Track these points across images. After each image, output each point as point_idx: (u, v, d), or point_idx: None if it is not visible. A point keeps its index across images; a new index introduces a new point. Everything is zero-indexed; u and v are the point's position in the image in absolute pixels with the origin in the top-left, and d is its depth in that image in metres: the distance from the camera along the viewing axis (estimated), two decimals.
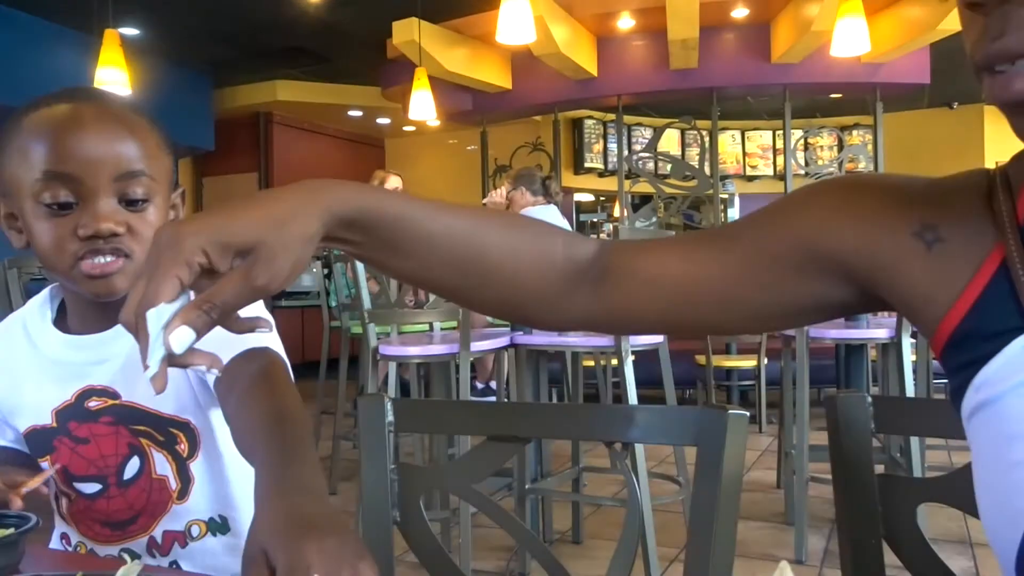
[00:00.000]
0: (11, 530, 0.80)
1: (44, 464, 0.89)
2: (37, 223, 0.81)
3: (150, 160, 0.85)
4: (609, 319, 0.69)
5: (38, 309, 0.92)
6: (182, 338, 0.50)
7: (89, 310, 0.87)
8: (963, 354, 0.54)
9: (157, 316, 0.50)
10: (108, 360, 0.86)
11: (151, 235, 0.83)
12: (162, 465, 0.88)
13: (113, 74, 4.21)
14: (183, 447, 0.88)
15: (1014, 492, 0.50)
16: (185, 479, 0.88)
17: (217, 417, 0.88)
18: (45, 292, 0.94)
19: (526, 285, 0.66)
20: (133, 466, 0.87)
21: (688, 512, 2.57)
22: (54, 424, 0.87)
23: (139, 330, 0.50)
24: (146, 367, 0.50)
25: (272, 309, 8.58)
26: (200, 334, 0.51)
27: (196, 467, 0.88)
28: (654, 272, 0.66)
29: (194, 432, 0.88)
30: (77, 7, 5.54)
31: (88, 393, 0.86)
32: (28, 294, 3.31)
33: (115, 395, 0.86)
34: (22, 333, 0.90)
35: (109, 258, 0.81)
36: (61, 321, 0.91)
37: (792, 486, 3.09)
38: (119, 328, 0.81)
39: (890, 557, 0.85)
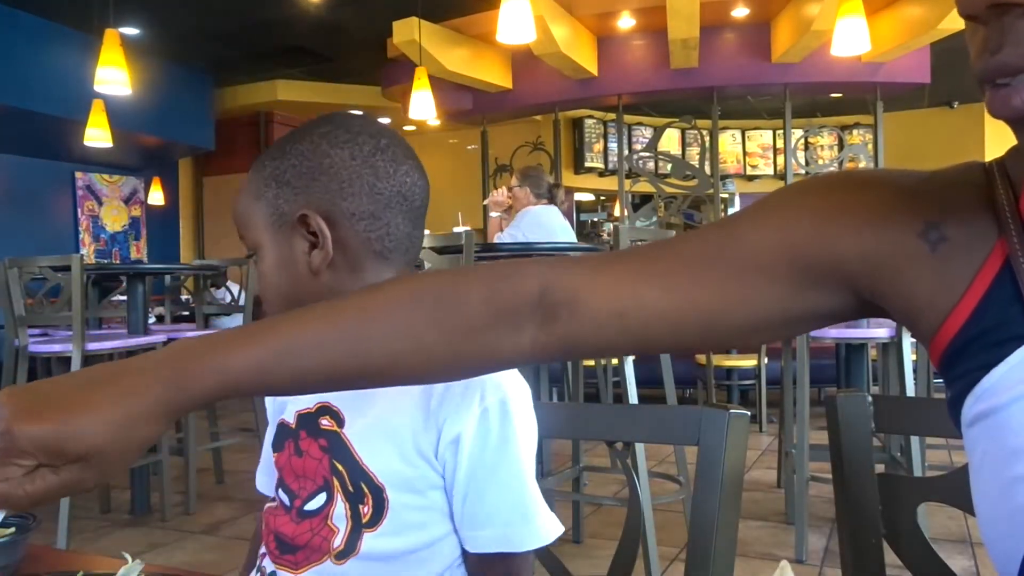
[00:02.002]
0: (12, 530, 0.80)
1: (273, 459, 0.87)
2: None
3: (247, 216, 0.84)
4: (566, 351, 0.61)
5: None
6: None
7: None
8: (964, 361, 0.52)
9: None
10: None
11: (260, 287, 0.84)
12: (340, 516, 0.80)
13: (113, 74, 4.20)
14: (367, 511, 0.79)
15: (1017, 508, 0.48)
16: (352, 544, 0.79)
17: (418, 511, 0.80)
18: None
19: (447, 359, 0.59)
20: (318, 500, 0.81)
21: (689, 511, 2.57)
22: (294, 425, 0.85)
23: None
24: None
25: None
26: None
27: (368, 539, 0.79)
28: (624, 304, 0.58)
29: (384, 502, 0.79)
30: (77, 7, 5.54)
31: (325, 410, 0.82)
32: (28, 293, 3.32)
33: (341, 422, 0.81)
34: None
35: None
36: None
37: (792, 485, 3.09)
38: None
39: (890, 556, 0.85)
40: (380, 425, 0.79)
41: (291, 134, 0.84)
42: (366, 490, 0.79)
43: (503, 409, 0.79)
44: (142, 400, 0.52)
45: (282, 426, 0.87)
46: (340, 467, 0.80)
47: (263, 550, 0.86)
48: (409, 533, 0.79)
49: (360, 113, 0.86)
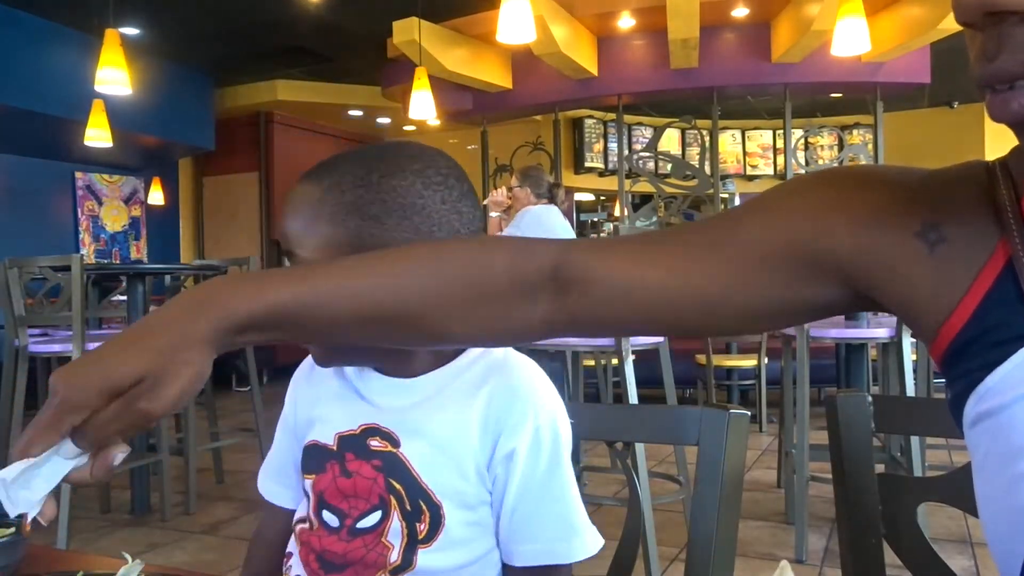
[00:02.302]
0: (12, 530, 0.80)
1: (307, 482, 0.85)
2: None
3: (301, 237, 0.80)
4: (574, 326, 0.64)
5: None
6: (15, 466, 0.51)
7: (390, 354, 0.83)
8: (966, 361, 0.52)
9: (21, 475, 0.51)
10: (400, 408, 0.82)
11: None
12: (395, 533, 0.80)
13: (114, 74, 4.20)
14: (423, 528, 0.79)
15: (1019, 507, 0.48)
16: (407, 561, 0.79)
17: (471, 527, 0.81)
18: None
19: (465, 318, 0.62)
20: (373, 518, 0.81)
21: (689, 511, 2.57)
22: (334, 447, 0.84)
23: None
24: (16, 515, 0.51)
25: None
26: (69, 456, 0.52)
27: (423, 555, 0.79)
28: (631, 282, 0.61)
29: (440, 518, 0.79)
30: (78, 7, 5.54)
31: (372, 431, 0.82)
32: (29, 293, 3.32)
33: (396, 442, 0.80)
34: None
35: None
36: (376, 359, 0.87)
37: (792, 485, 3.09)
38: (423, 379, 0.82)
39: (890, 556, 0.85)
40: (438, 443, 0.80)
41: (374, 162, 0.80)
42: (424, 507, 0.79)
43: (554, 427, 0.80)
44: (186, 325, 0.53)
45: (316, 448, 0.85)
46: (398, 486, 0.80)
47: (298, 571, 0.85)
48: (458, 549, 0.80)
49: (436, 148, 0.84)
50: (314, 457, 0.85)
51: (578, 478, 3.11)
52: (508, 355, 0.84)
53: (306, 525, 0.86)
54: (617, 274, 0.61)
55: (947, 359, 0.53)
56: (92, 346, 3.12)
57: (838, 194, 0.59)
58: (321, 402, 0.86)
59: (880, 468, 0.93)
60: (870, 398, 0.88)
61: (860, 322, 3.07)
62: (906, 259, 0.55)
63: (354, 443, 0.83)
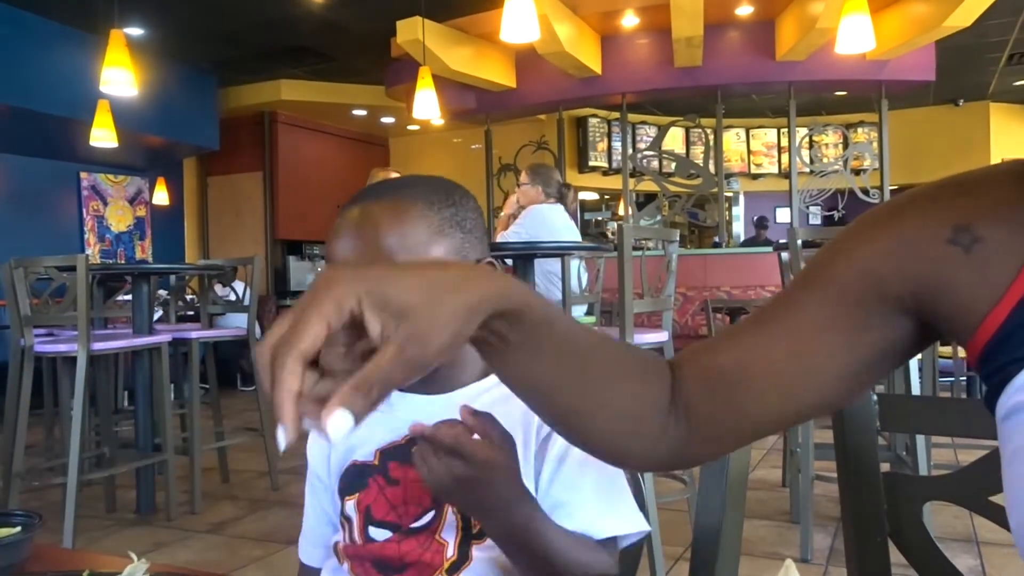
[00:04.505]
0: (18, 529, 0.80)
1: (348, 504, 0.86)
2: None
3: (410, 251, 0.81)
4: (681, 415, 0.61)
5: None
6: (340, 425, 0.44)
7: (441, 369, 0.84)
8: (1003, 356, 0.52)
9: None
10: (438, 415, 0.81)
11: None
12: (450, 530, 0.82)
13: (118, 74, 4.21)
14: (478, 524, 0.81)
15: None
16: (463, 555, 0.82)
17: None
18: None
19: (632, 413, 0.61)
20: (427, 518, 0.83)
21: (693, 510, 2.57)
22: (376, 462, 0.85)
23: (274, 373, 0.45)
24: (282, 425, 0.44)
25: (277, 309, 8.51)
26: (359, 420, 0.46)
27: (479, 550, 0.81)
28: (731, 361, 0.60)
29: None
30: (82, 7, 5.56)
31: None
32: (34, 293, 3.33)
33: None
34: None
35: None
36: None
37: (797, 484, 3.09)
38: (457, 394, 0.84)
39: (896, 555, 0.85)
40: None
41: (442, 188, 0.87)
42: None
43: None
44: (464, 273, 0.52)
45: (356, 467, 0.87)
46: None
47: None
48: None
49: None
50: (354, 477, 0.87)
51: None
52: None
53: (349, 543, 0.87)
54: (719, 354, 0.61)
55: (985, 355, 0.53)
56: (97, 346, 3.14)
57: (882, 219, 0.59)
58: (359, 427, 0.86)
59: (885, 467, 0.93)
60: (875, 397, 0.88)
61: None
62: (945, 268, 0.54)
63: (397, 453, 0.84)
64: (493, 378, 0.84)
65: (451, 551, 0.81)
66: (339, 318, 0.46)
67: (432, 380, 0.82)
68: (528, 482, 0.80)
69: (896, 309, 0.57)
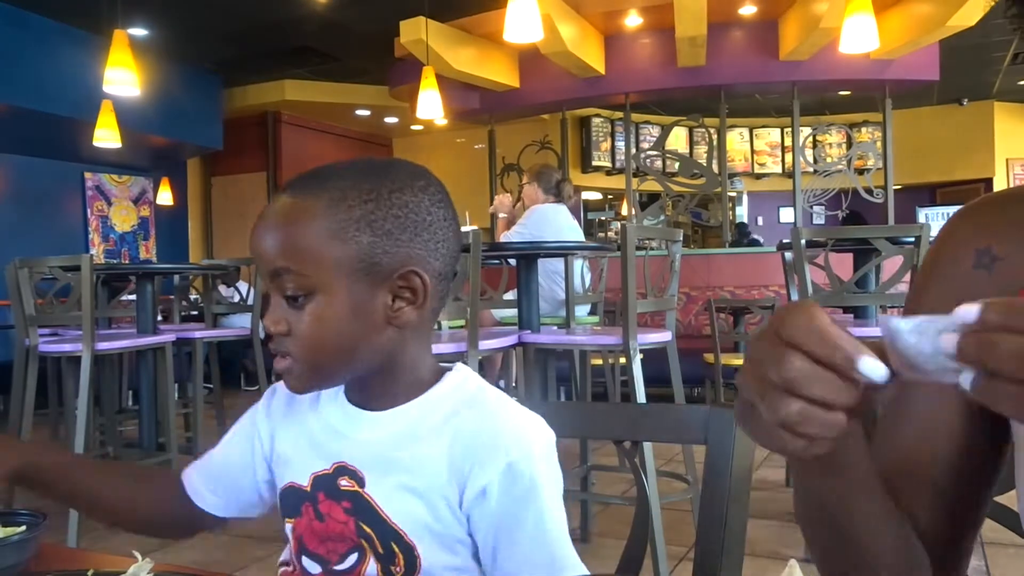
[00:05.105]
0: (22, 528, 0.80)
1: (288, 526, 0.83)
2: None
3: (302, 253, 0.75)
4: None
5: None
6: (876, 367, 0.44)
7: (368, 383, 0.81)
8: None
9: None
10: (368, 442, 0.80)
11: (311, 332, 0.75)
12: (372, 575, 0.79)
13: (122, 74, 4.22)
14: (399, 570, 0.77)
15: None
16: None
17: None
18: None
19: None
20: (351, 560, 0.79)
21: (697, 510, 2.57)
22: (308, 488, 0.82)
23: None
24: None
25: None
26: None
27: None
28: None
29: (416, 560, 0.77)
30: (86, 8, 5.56)
31: (342, 470, 0.80)
32: (39, 293, 3.33)
33: (361, 481, 0.79)
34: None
35: (278, 357, 0.78)
36: (350, 389, 0.84)
37: None
38: (394, 412, 0.79)
39: None
40: (407, 479, 0.77)
41: (378, 177, 0.78)
42: (397, 550, 0.77)
43: (529, 461, 0.76)
44: None
45: (292, 490, 0.83)
46: (367, 529, 0.78)
47: None
48: None
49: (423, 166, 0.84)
50: (292, 500, 0.83)
51: (586, 477, 3.08)
52: (481, 389, 0.81)
53: (289, 568, 0.84)
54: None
55: None
56: (102, 346, 3.14)
57: (928, 264, 0.63)
58: (300, 442, 0.84)
59: None
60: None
61: (864, 320, 3.06)
62: (978, 293, 0.56)
63: (326, 483, 0.80)
64: (435, 394, 0.80)
65: None
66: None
67: (371, 396, 0.80)
68: (443, 508, 0.76)
69: None
